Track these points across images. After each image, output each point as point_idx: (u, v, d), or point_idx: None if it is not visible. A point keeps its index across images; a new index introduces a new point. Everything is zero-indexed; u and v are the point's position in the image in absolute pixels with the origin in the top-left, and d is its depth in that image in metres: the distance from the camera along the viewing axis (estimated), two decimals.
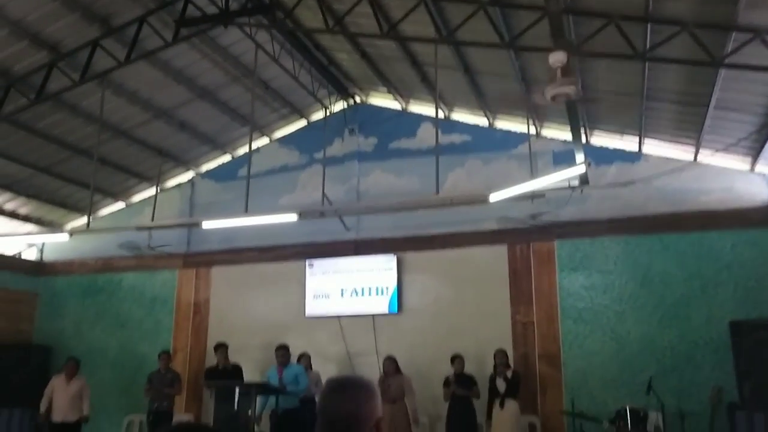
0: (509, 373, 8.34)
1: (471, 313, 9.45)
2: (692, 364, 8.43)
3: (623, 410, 7.63)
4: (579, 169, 8.22)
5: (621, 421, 7.60)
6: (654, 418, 7.76)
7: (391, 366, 8.61)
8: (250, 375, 9.40)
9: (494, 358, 8.47)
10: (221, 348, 9.34)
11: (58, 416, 8.95)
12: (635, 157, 9.42)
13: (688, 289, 8.72)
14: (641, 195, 9.22)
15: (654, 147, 9.36)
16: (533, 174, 8.91)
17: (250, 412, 8.10)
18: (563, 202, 9.33)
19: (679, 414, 7.69)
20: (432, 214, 9.72)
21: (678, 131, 8.80)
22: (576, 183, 9.05)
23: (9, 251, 11.50)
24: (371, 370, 9.18)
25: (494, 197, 8.33)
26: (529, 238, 9.56)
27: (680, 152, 9.15)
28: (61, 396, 9.02)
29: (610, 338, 8.87)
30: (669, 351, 8.57)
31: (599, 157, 9.38)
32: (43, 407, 9.05)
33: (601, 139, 9.65)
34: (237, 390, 8.33)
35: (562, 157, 9.40)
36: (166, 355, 9.67)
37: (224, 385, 8.52)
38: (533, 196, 8.98)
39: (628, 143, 9.49)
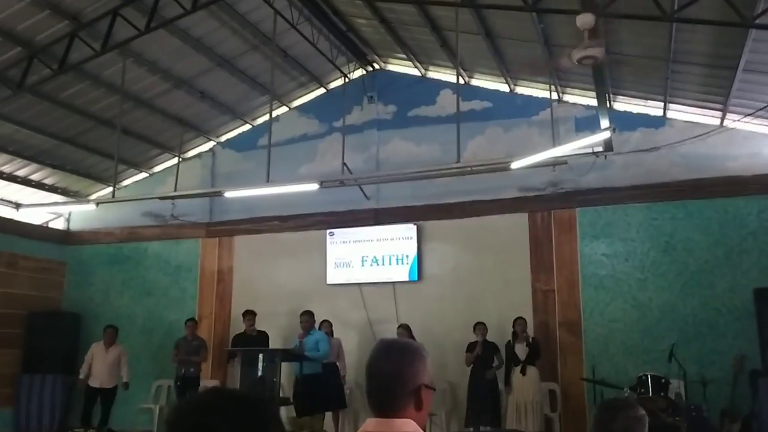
0: (529, 340, 8.31)
1: (491, 281, 9.38)
2: (715, 332, 8.30)
3: (644, 377, 7.55)
4: (604, 135, 8.00)
5: (642, 387, 7.53)
6: (675, 385, 7.67)
7: (404, 333, 8.63)
8: (273, 342, 9.46)
9: (513, 325, 8.43)
10: (249, 315, 9.40)
11: (95, 382, 9.24)
12: (660, 122, 9.16)
13: (712, 256, 8.53)
14: (665, 161, 8.97)
15: (679, 112, 9.08)
16: (555, 141, 8.70)
17: (275, 378, 8.19)
18: (585, 169, 9.12)
19: (701, 381, 7.61)
20: (452, 182, 9.57)
21: (704, 95, 8.52)
22: (599, 149, 8.83)
23: (37, 221, 11.61)
24: (391, 337, 9.15)
25: (516, 165, 8.18)
26: (550, 205, 9.40)
27: (706, 117, 8.87)
28: (99, 363, 9.29)
29: (632, 306, 8.76)
30: (691, 318, 8.44)
31: (623, 122, 9.11)
32: (82, 373, 9.33)
33: (624, 105, 9.39)
34: (261, 356, 8.45)
35: (585, 123, 9.19)
36: (192, 323, 9.80)
37: (248, 352, 8.62)
38: (555, 163, 8.76)
39: (652, 108, 9.22)
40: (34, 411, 10.31)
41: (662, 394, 7.44)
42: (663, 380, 7.51)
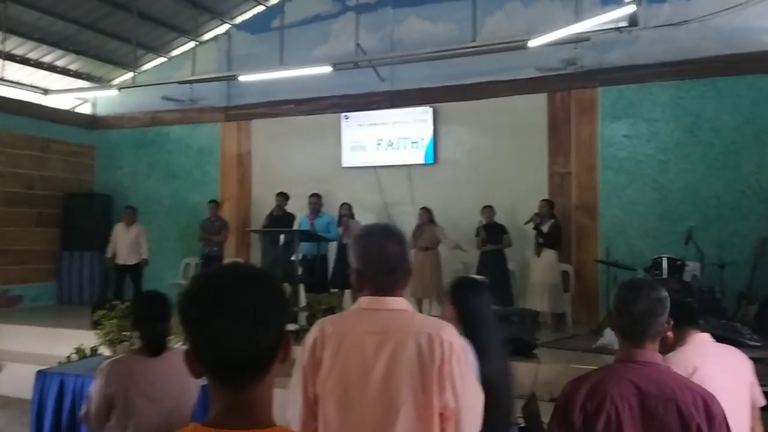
0: (549, 224, 7.17)
1: (507, 163, 8.18)
2: (737, 215, 7.09)
3: (659, 259, 6.61)
4: (628, 8, 6.54)
5: (656, 269, 6.58)
6: (692, 267, 6.65)
7: (426, 216, 7.65)
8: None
9: (539, 208, 7.29)
10: (280, 196, 8.36)
11: (120, 260, 8.73)
12: None
13: (740, 136, 7.17)
14: (696, 36, 7.39)
15: None
16: (578, 16, 7.22)
17: (293, 257, 7.46)
18: (609, 47, 7.65)
19: (719, 264, 6.58)
20: (469, 62, 8.17)
21: None
22: (624, 24, 7.27)
23: (65, 106, 10.57)
24: (407, 219, 8.19)
25: (533, 42, 6.92)
26: (570, 85, 7.97)
27: None
28: (121, 241, 8.75)
29: (652, 188, 7.53)
30: (714, 201, 7.22)
31: None
32: (109, 252, 8.85)
33: None
34: (282, 237, 7.75)
35: None
36: (213, 204, 9.02)
37: (269, 232, 7.98)
38: (577, 39, 7.35)
39: None
40: (75, 285, 9.83)
41: (677, 276, 6.49)
42: (679, 263, 6.57)
